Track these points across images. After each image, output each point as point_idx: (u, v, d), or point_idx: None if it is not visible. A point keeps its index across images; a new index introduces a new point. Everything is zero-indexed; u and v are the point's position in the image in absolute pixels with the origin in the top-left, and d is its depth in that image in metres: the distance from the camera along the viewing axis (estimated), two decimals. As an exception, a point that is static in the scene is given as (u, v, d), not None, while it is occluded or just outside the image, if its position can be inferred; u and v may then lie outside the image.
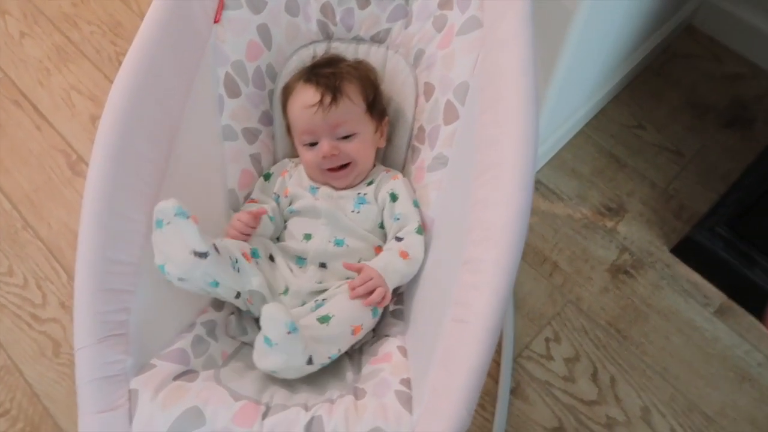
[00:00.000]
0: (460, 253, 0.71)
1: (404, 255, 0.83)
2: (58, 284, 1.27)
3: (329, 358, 0.74)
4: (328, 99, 0.87)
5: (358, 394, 0.70)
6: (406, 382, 0.70)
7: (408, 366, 0.74)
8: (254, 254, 0.82)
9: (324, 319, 0.76)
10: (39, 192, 1.39)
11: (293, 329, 0.67)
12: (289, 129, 0.96)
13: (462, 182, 0.79)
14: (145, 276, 0.72)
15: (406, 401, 0.67)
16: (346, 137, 0.89)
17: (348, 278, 0.84)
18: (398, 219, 0.88)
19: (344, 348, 0.77)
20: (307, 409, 0.67)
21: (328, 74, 0.89)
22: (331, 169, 0.89)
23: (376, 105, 0.93)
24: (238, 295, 0.77)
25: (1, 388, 1.16)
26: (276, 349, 0.67)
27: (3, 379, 1.17)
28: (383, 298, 0.79)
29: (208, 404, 0.65)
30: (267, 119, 0.98)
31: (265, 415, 0.66)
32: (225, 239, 0.80)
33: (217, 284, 0.71)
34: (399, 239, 0.86)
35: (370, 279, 0.79)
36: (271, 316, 0.67)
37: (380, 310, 0.83)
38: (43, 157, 1.44)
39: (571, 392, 1.18)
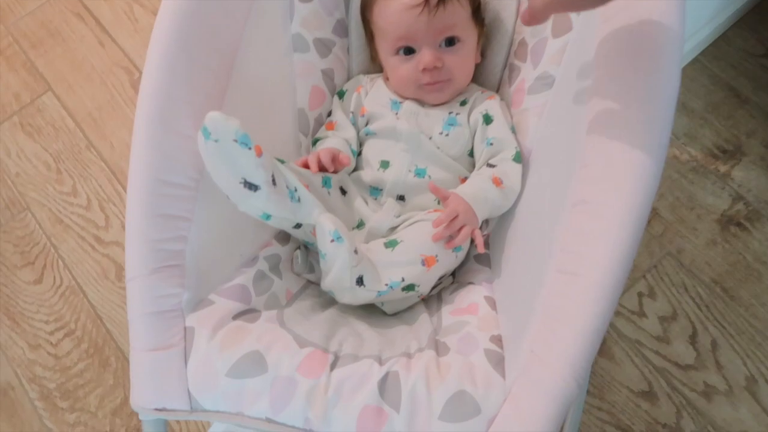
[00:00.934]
0: (568, 192, 0.59)
1: (497, 182, 0.72)
2: (120, 207, 1.24)
3: (388, 285, 0.64)
4: None
5: (439, 348, 0.61)
6: (497, 340, 0.60)
7: (498, 321, 0.64)
8: (326, 183, 0.72)
9: (390, 244, 0.67)
10: (101, 110, 1.34)
11: (337, 238, 0.60)
12: (371, 37, 0.82)
13: (572, 107, 0.65)
14: (204, 203, 0.63)
15: (498, 362, 0.57)
16: (449, 45, 0.76)
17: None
18: (491, 144, 0.76)
19: (411, 278, 0.66)
20: (381, 362, 0.58)
21: None
22: (429, 83, 0.77)
23: (480, 10, 0.79)
24: (298, 225, 0.67)
25: (66, 308, 1.15)
26: (325, 261, 0.61)
27: (68, 299, 1.16)
28: (471, 237, 0.68)
29: (271, 349, 0.57)
30: (342, 29, 0.86)
31: (333, 366, 0.57)
32: (288, 163, 0.70)
33: (268, 217, 0.63)
34: (492, 166, 0.75)
35: (456, 216, 0.68)
36: (319, 227, 0.61)
37: (465, 247, 0.72)
38: (106, 75, 1.38)
39: (665, 354, 1.06)
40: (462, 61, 0.77)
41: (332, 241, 0.60)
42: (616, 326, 1.08)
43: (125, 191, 1.23)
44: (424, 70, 0.75)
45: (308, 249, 0.76)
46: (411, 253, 0.67)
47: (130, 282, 0.58)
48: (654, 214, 1.16)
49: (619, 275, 0.51)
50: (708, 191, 1.17)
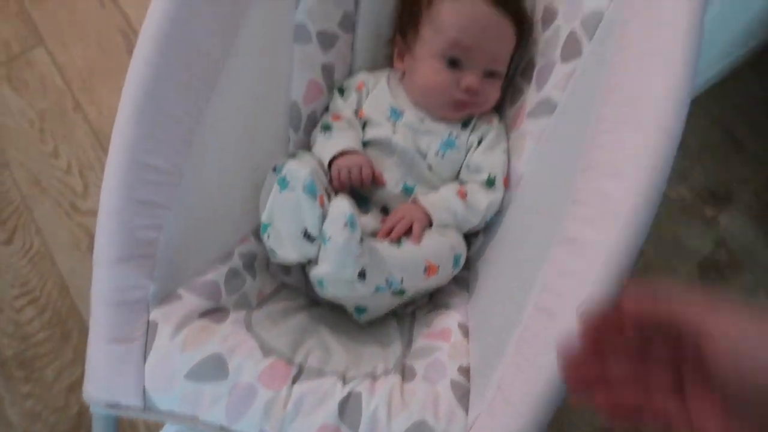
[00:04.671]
0: (557, 227, 0.57)
1: (462, 194, 0.72)
2: (100, 175, 1.19)
3: (388, 282, 0.62)
4: (509, 30, 0.74)
5: (406, 373, 0.60)
6: (465, 371, 0.59)
7: (468, 350, 0.62)
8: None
9: (397, 243, 0.67)
10: (93, 73, 1.30)
11: (351, 224, 0.58)
12: (415, 24, 0.76)
13: (572, 138, 0.64)
14: (185, 191, 0.61)
15: (463, 396, 0.56)
16: (489, 76, 0.75)
17: None
18: (469, 166, 0.76)
19: (410, 283, 0.64)
20: (345, 381, 0.56)
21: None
22: (461, 102, 0.75)
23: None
24: None
25: (33, 273, 1.12)
26: (329, 245, 0.58)
27: (37, 264, 1.12)
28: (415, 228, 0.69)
29: (234, 354, 0.55)
30: (349, 24, 0.82)
31: (296, 379, 0.56)
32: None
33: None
34: (463, 182, 0.75)
35: (402, 218, 0.69)
36: (335, 209, 0.59)
37: (462, 262, 0.71)
38: (103, 36, 1.34)
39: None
40: (495, 93, 0.77)
41: (346, 225, 0.58)
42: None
43: (108, 160, 1.20)
44: (467, 89, 0.73)
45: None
46: (416, 253, 0.66)
47: (97, 266, 0.56)
48: (638, 249, 1.16)
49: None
50: (693, 233, 1.17)
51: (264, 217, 0.62)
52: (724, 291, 1.12)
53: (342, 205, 0.59)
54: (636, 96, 0.56)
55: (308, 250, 0.61)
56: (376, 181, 0.74)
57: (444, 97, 0.75)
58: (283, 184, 0.59)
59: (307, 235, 0.60)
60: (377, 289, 0.62)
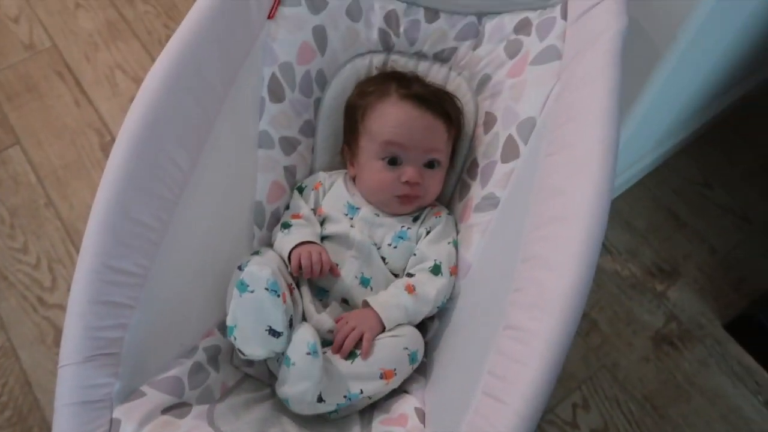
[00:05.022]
0: (501, 314, 0.62)
1: (410, 289, 0.76)
2: (70, 269, 1.22)
3: (346, 398, 0.67)
4: (435, 122, 0.80)
5: (364, 460, 0.61)
6: (420, 457, 0.61)
7: (425, 435, 0.65)
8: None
9: (350, 356, 0.70)
10: (67, 169, 1.34)
11: (314, 352, 0.63)
12: (354, 136, 0.85)
13: (513, 231, 0.70)
14: (150, 290, 0.64)
15: (418, 481, 0.58)
16: (429, 166, 0.82)
17: None
18: (415, 255, 0.80)
19: (369, 392, 0.69)
20: (304, 472, 0.58)
21: (432, 95, 0.83)
22: (404, 195, 0.81)
23: (457, 141, 0.86)
24: None
25: (-5, 369, 1.10)
26: (293, 371, 0.64)
27: (-1, 360, 1.11)
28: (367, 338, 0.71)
29: (195, 450, 0.57)
30: (309, 129, 0.91)
31: (257, 472, 0.57)
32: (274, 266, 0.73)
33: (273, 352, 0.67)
34: (410, 275, 0.79)
35: (352, 329, 0.72)
36: (299, 336, 0.65)
37: (420, 357, 0.75)
38: (77, 134, 1.40)
39: (595, 468, 1.07)
40: (436, 183, 0.83)
41: (308, 354, 0.63)
42: (551, 436, 1.10)
43: (78, 254, 1.22)
44: (407, 182, 0.79)
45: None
46: (371, 366, 0.69)
47: (61, 368, 0.58)
48: (593, 326, 1.21)
49: (540, 404, 0.54)
50: (644, 308, 1.23)
51: (228, 320, 0.66)
52: (679, 363, 1.17)
53: (305, 334, 0.65)
54: (564, 195, 0.63)
55: (275, 345, 0.65)
56: (331, 272, 0.78)
57: (389, 193, 0.81)
58: (242, 287, 0.64)
59: (273, 332, 0.64)
60: (339, 406, 0.67)
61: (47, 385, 1.09)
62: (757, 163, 1.41)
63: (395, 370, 0.70)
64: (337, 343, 0.71)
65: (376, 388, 0.69)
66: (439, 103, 0.82)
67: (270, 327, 0.64)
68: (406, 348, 0.72)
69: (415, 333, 0.76)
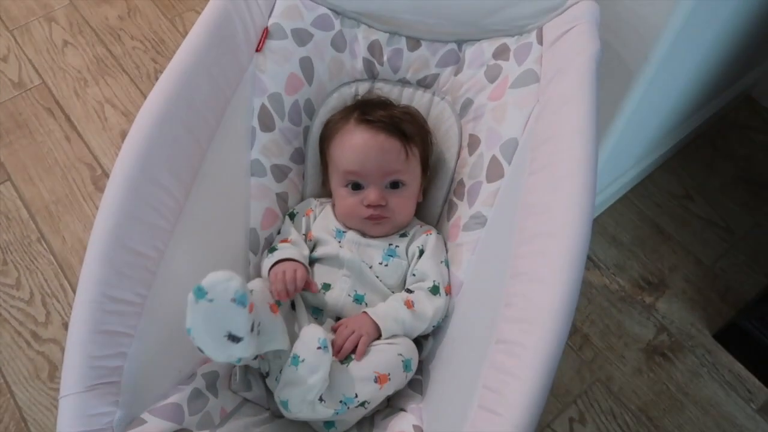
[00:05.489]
0: (493, 329, 0.64)
1: (409, 304, 0.77)
2: (63, 303, 1.22)
3: (342, 402, 0.67)
4: (388, 143, 0.82)
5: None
6: (419, 474, 0.62)
7: (423, 452, 0.66)
8: (278, 302, 0.75)
9: (346, 360, 0.71)
10: (59, 204, 1.36)
11: (324, 347, 0.65)
12: (325, 166, 0.90)
13: (501, 248, 0.72)
14: (148, 318, 0.65)
15: (419, 496, 0.59)
16: (394, 187, 0.83)
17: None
18: (414, 275, 0.82)
19: (365, 397, 0.68)
20: (306, 492, 0.59)
21: (386, 117, 0.84)
22: (370, 217, 0.83)
23: (428, 159, 0.88)
24: (256, 357, 0.70)
25: (-10, 409, 1.10)
26: (302, 367, 0.64)
27: (-7, 399, 1.11)
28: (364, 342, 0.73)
29: (196, 476, 0.58)
30: (299, 157, 0.93)
31: (258, 495, 0.58)
32: (256, 287, 0.74)
33: (239, 360, 0.65)
34: (409, 291, 0.81)
35: (352, 333, 0.73)
36: (307, 334, 0.66)
37: (414, 366, 0.75)
38: (68, 169, 1.41)
39: (595, 482, 1.08)
40: (404, 202, 0.85)
41: (319, 348, 0.64)
42: (549, 451, 1.10)
43: (71, 287, 1.23)
44: (369, 206, 0.82)
45: (247, 367, 0.77)
46: (365, 368, 0.70)
47: (63, 399, 0.58)
48: (585, 341, 1.22)
49: (534, 414, 0.55)
50: (635, 321, 1.25)
51: (187, 323, 0.62)
52: (672, 373, 1.19)
53: (315, 331, 0.66)
54: (548, 212, 0.65)
55: (234, 350, 0.62)
56: (308, 287, 0.78)
57: (357, 217, 0.84)
58: (200, 294, 0.60)
59: (233, 337, 0.62)
60: (336, 412, 0.67)
61: (43, 422, 1.09)
62: (734, 174, 1.46)
63: (389, 375, 0.71)
64: (337, 345, 0.72)
65: (370, 392, 0.69)
66: (393, 124, 0.83)
67: (230, 333, 0.61)
68: (401, 354, 0.73)
69: (410, 343, 0.77)
